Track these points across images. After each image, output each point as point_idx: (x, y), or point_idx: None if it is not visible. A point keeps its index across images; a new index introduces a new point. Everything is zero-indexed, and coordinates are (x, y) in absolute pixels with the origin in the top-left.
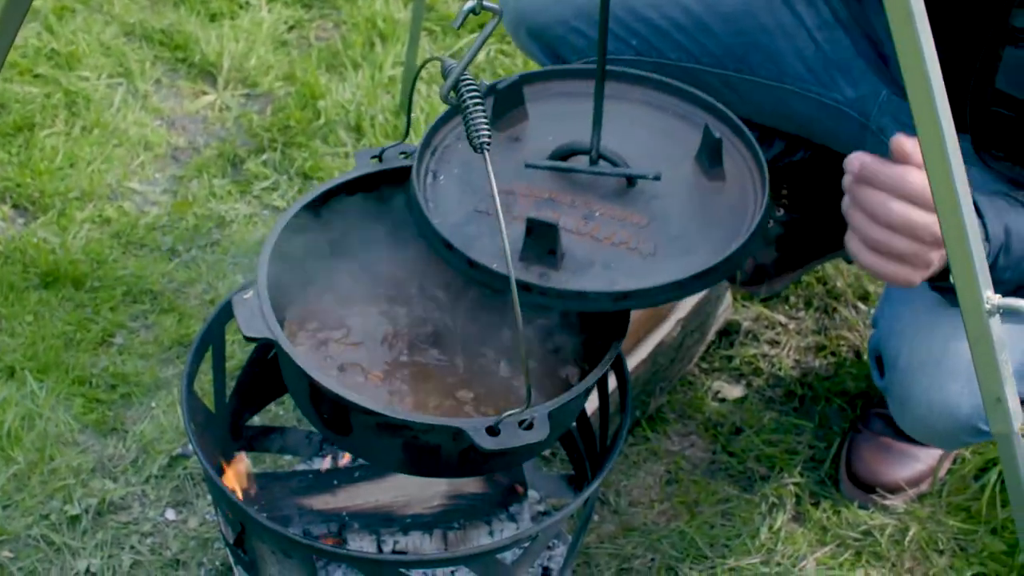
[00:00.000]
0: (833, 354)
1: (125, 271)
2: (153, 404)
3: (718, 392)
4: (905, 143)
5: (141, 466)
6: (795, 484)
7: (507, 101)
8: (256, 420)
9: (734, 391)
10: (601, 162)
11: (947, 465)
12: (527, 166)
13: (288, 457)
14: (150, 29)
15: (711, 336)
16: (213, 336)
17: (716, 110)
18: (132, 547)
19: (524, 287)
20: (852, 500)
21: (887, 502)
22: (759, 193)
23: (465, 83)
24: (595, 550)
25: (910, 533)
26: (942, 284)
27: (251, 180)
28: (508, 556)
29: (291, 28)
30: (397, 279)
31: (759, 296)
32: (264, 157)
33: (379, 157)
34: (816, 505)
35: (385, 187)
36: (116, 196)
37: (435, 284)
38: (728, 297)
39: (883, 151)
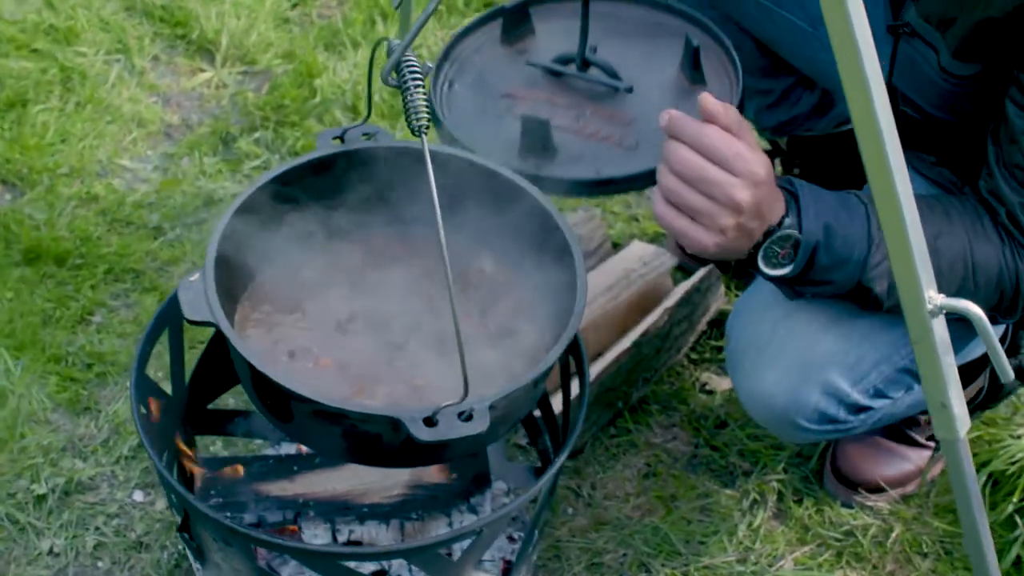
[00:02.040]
0: None
1: (109, 249)
2: (128, 384)
3: (705, 384)
4: (709, 102)
5: (112, 447)
6: (778, 480)
7: (514, 20)
8: (232, 403)
9: (722, 383)
10: (592, 70)
11: (939, 467)
12: (527, 64)
13: (260, 441)
14: (150, 5)
15: (702, 326)
16: (170, 317)
17: (699, 23)
18: (97, 528)
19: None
20: (835, 498)
21: (871, 502)
22: (734, 90)
23: (407, 63)
24: (566, 543)
25: (893, 534)
26: (754, 269)
27: (242, 159)
28: (457, 550)
29: (295, 5)
30: (356, 263)
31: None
32: (256, 135)
33: (341, 138)
34: (799, 502)
35: (347, 169)
36: (106, 173)
37: (395, 269)
38: (721, 286)
39: None
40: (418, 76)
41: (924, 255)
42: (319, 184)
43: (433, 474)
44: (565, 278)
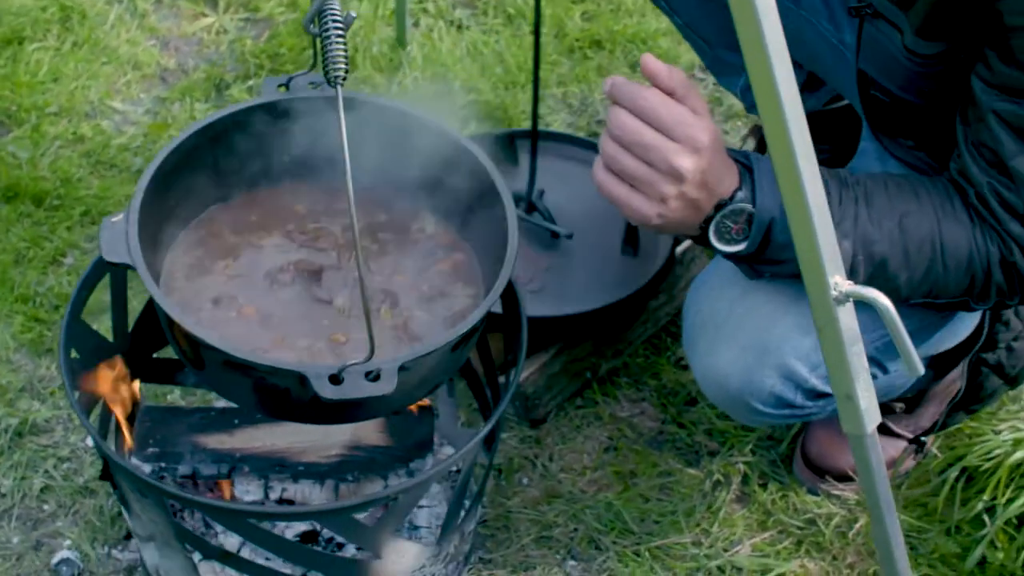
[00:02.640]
0: None
1: (88, 191)
2: (95, 327)
3: (681, 359)
4: (650, 63)
5: None
6: (745, 463)
7: (501, 146)
8: None
9: None
10: (535, 213)
11: (913, 460)
12: None
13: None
14: None
15: (684, 299)
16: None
17: None
18: (46, 471)
19: None
20: (802, 483)
21: (839, 491)
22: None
23: (329, 11)
24: (516, 514)
25: (857, 525)
26: (708, 247)
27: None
28: (375, 515)
29: None
30: (294, 213)
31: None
32: (250, 83)
33: (286, 86)
34: (763, 487)
35: (291, 117)
36: (95, 114)
37: (335, 221)
38: (704, 259)
39: None
40: (340, 26)
41: (830, 238)
42: (258, 132)
43: (373, 435)
44: (503, 241)
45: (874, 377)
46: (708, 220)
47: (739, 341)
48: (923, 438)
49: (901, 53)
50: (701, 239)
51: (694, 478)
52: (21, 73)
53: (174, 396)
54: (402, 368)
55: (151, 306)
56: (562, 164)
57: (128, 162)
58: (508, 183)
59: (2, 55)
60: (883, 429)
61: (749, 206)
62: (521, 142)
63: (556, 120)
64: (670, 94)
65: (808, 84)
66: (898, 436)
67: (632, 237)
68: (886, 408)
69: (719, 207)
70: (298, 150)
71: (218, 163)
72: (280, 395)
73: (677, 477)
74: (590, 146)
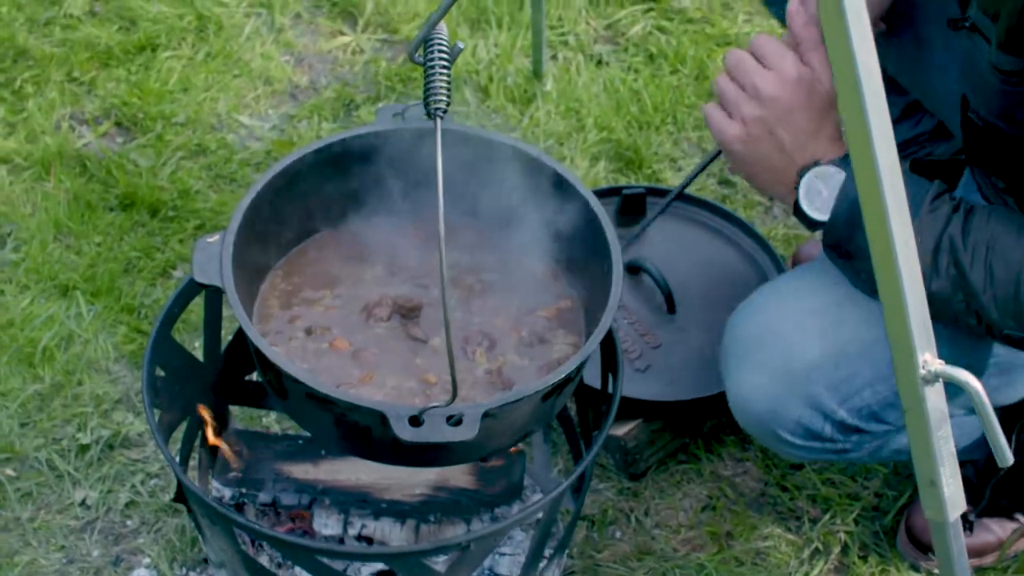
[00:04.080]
0: None
1: (205, 204)
2: (196, 344)
3: None
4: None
5: None
6: (846, 532)
7: (630, 204)
8: None
9: None
10: (646, 278)
11: (1023, 542)
12: None
13: None
14: None
15: None
16: None
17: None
18: (133, 486)
19: None
20: (904, 558)
21: None
22: None
23: (436, 41)
24: (604, 568)
25: None
26: (798, 214)
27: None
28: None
29: None
30: (399, 248)
31: None
32: (379, 106)
33: (402, 115)
34: (864, 559)
35: (403, 147)
36: (220, 127)
37: (436, 258)
38: None
39: None
40: (445, 56)
41: (922, 314)
42: (370, 160)
43: (461, 477)
44: (606, 292)
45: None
46: (799, 176)
47: (767, 367)
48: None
49: (988, 68)
50: (795, 209)
51: (792, 544)
52: (151, 81)
53: (269, 420)
54: (486, 415)
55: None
56: (688, 231)
57: (248, 178)
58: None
59: (135, 62)
60: (995, 508)
61: (841, 173)
62: (654, 200)
63: (688, 165)
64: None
65: (941, 131)
66: (1010, 518)
67: None
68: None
69: (809, 166)
70: (408, 181)
71: (324, 189)
72: (361, 433)
73: (774, 542)
74: (723, 214)
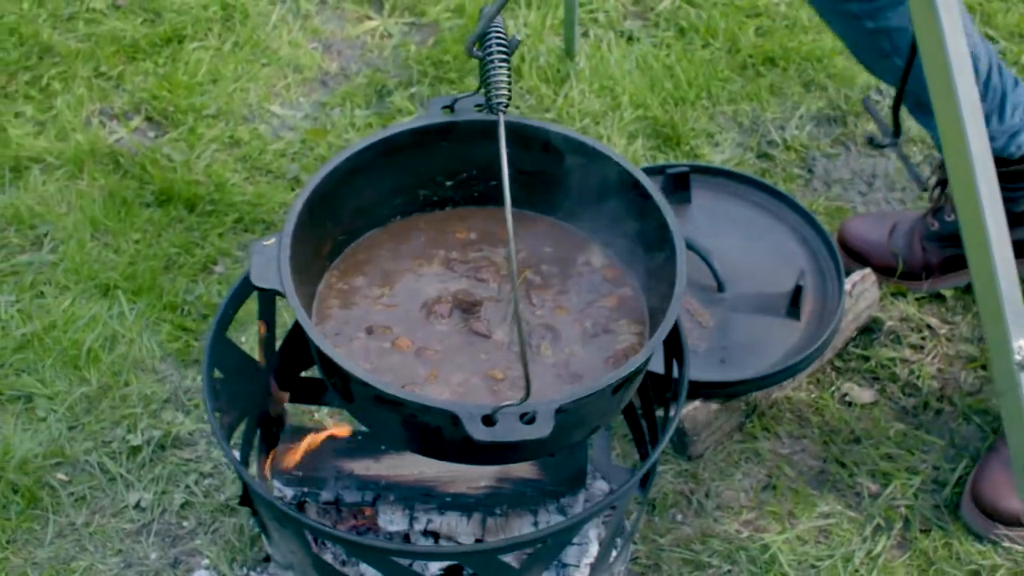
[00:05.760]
0: (984, 368)
1: (242, 197)
2: (243, 339)
3: (846, 395)
4: None
5: None
6: (907, 507)
7: (674, 183)
8: None
9: (864, 395)
10: (693, 257)
11: None
12: None
13: None
14: None
15: (851, 332)
16: None
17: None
18: (187, 487)
19: None
20: (970, 527)
21: (1009, 541)
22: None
23: (494, 35)
24: (668, 553)
25: None
26: None
27: (394, 113)
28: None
29: None
30: (455, 241)
31: (915, 293)
32: (412, 90)
33: (451, 107)
34: (926, 532)
35: (456, 140)
36: (253, 117)
37: (495, 250)
38: (875, 291)
39: None
40: (504, 50)
41: (1015, 300)
42: (423, 154)
43: (524, 468)
44: (669, 280)
45: None
46: None
47: None
48: None
49: None
50: None
51: (854, 521)
52: (180, 73)
53: (321, 415)
54: (559, 411)
55: (299, 325)
56: (734, 207)
57: (284, 168)
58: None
59: (162, 54)
60: None
61: None
62: (697, 178)
63: (726, 139)
64: None
65: None
66: None
67: (798, 299)
68: None
69: None
70: (461, 175)
71: (376, 186)
72: (431, 434)
73: (836, 520)
74: (765, 188)
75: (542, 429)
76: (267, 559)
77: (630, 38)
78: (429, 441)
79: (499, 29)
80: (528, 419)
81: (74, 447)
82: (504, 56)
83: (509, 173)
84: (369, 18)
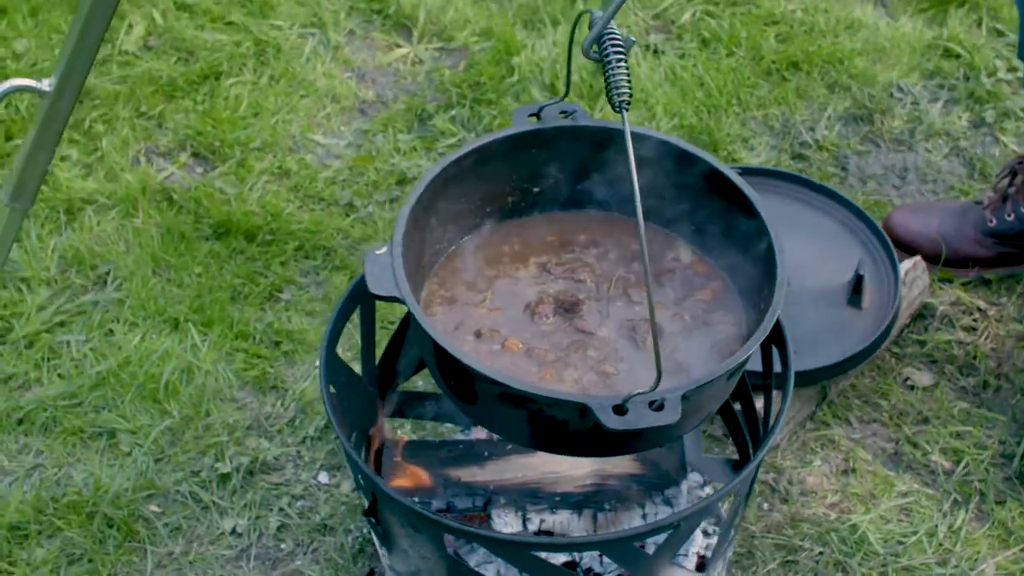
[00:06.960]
0: None
1: (299, 225)
2: (316, 363)
3: (907, 379)
4: None
5: (298, 426)
6: (980, 481)
7: None
8: (420, 385)
9: (924, 378)
10: None
11: None
12: None
13: (449, 425)
14: None
15: (905, 319)
16: (362, 295)
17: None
18: (281, 509)
19: None
20: None
21: None
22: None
23: (609, 36)
24: (760, 540)
25: None
26: None
27: (437, 136)
28: (651, 544)
29: None
30: (548, 244)
31: (961, 279)
32: (452, 113)
33: (537, 115)
34: (1001, 504)
35: (543, 147)
36: (298, 148)
37: (590, 252)
38: (925, 278)
39: None
40: (620, 50)
41: None
42: (514, 161)
43: (627, 464)
44: (765, 270)
45: None
46: None
47: None
48: None
49: None
50: None
51: (932, 498)
52: (220, 108)
53: (405, 429)
54: (684, 397)
55: (395, 340)
56: (783, 205)
57: (336, 195)
58: None
59: (199, 91)
60: None
61: None
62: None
63: (760, 143)
64: None
65: None
66: None
67: (860, 287)
68: None
69: None
70: (548, 180)
71: (469, 195)
72: (557, 427)
73: (915, 498)
74: (810, 185)
75: (671, 415)
76: (371, 573)
77: (656, 51)
78: (554, 435)
79: (614, 31)
80: (657, 406)
81: (163, 478)
82: (621, 56)
83: (592, 172)
84: (398, 46)
